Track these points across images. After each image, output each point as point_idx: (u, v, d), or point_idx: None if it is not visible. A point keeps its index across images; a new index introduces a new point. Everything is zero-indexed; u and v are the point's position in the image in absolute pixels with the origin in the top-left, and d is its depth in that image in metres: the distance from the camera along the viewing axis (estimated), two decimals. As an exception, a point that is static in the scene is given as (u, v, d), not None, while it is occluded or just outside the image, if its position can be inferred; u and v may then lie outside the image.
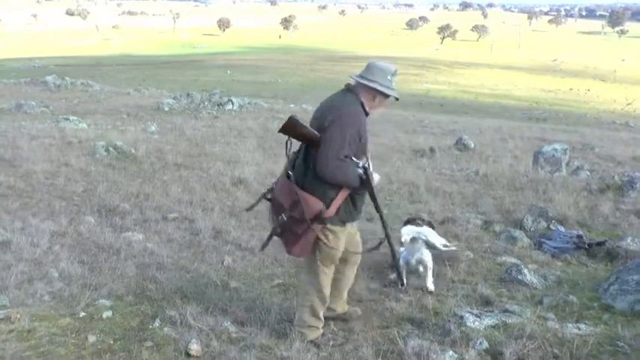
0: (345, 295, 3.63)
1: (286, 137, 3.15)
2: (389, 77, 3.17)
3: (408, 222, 4.40)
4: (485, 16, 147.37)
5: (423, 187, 7.46)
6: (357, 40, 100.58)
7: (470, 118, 22.64)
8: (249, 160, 8.97)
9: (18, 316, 3.43)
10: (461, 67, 61.62)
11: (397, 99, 3.28)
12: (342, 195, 3.11)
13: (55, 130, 11.47)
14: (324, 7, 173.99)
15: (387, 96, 3.21)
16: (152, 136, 11.47)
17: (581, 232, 5.33)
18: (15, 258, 4.59)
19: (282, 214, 3.15)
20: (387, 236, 3.31)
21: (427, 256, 4.10)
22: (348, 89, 3.22)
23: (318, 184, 3.08)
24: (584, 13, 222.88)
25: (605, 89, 49.75)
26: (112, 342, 3.28)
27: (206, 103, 18.83)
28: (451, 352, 3.12)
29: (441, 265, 4.39)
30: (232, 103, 18.74)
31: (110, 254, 4.83)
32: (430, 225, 4.42)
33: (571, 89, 48.55)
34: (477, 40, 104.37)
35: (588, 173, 8.73)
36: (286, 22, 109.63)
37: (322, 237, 3.15)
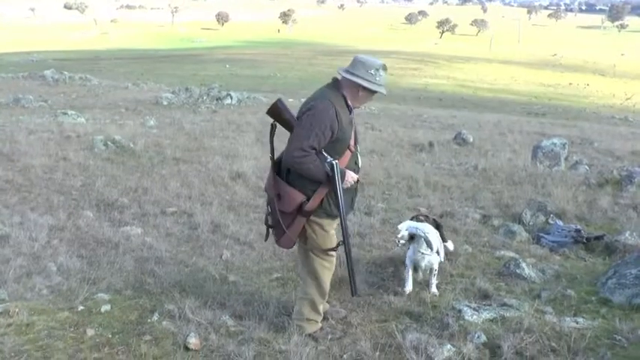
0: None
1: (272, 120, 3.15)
2: (372, 72, 3.08)
3: (413, 219, 4.25)
4: (484, 11, 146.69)
5: (421, 181, 7.47)
6: (356, 34, 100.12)
7: (469, 113, 22.63)
8: (248, 154, 8.97)
9: (16, 310, 3.43)
10: (460, 62, 61.53)
11: (384, 94, 3.19)
12: (323, 189, 3.10)
13: (53, 125, 11.46)
14: (323, 1, 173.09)
15: (372, 91, 3.14)
16: (151, 130, 11.45)
17: (579, 227, 5.34)
18: (13, 252, 4.60)
19: (270, 206, 3.22)
20: (345, 237, 3.16)
21: (435, 259, 3.94)
22: (334, 84, 3.19)
23: (298, 176, 3.10)
24: (583, 8, 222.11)
25: (605, 84, 49.70)
26: (110, 336, 3.29)
27: (205, 98, 18.81)
28: (449, 346, 3.13)
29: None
30: (231, 98, 18.73)
31: (109, 248, 4.84)
32: (436, 224, 4.27)
33: (570, 84, 48.50)
34: (477, 35, 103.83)
35: (587, 168, 8.73)
36: (285, 16, 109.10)
37: (308, 229, 3.19)
